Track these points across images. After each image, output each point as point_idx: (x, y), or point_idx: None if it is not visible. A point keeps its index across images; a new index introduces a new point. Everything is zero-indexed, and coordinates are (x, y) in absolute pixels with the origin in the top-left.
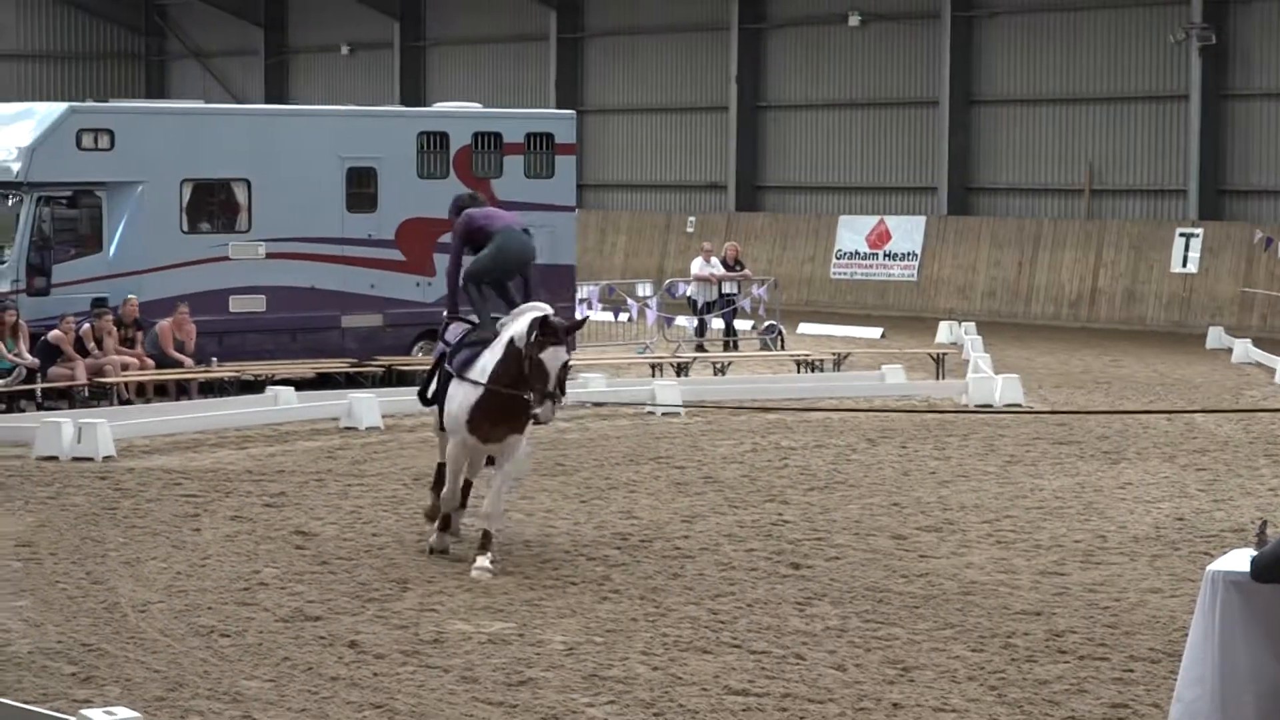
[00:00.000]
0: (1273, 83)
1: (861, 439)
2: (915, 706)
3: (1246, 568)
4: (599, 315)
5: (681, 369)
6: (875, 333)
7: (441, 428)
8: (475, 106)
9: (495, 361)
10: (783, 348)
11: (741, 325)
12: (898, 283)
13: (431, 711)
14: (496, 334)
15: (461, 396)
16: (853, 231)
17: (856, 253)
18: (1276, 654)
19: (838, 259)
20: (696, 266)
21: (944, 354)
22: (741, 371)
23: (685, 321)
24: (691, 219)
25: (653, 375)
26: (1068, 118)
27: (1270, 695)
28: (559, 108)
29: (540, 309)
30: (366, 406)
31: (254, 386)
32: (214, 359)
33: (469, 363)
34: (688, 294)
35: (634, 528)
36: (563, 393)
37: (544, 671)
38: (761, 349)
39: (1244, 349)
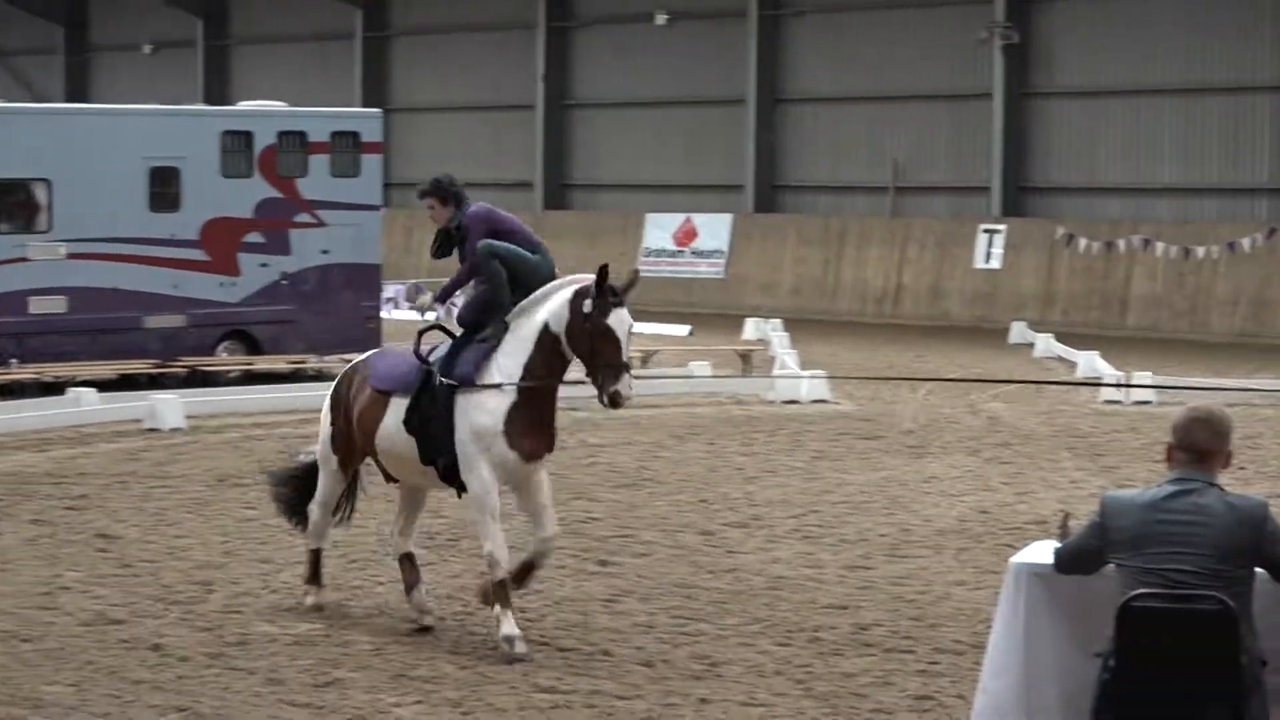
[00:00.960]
0: (1074, 81)
1: (669, 435)
2: (723, 701)
3: (1050, 559)
4: (404, 314)
5: None
6: (683, 330)
7: (390, 478)
8: (280, 105)
9: (525, 357)
10: None
11: None
12: (705, 280)
13: (236, 714)
14: (503, 330)
15: (489, 407)
16: (660, 229)
17: (664, 250)
18: (1079, 644)
19: (645, 257)
20: None
21: (750, 351)
22: None
23: None
24: None
25: None
26: (873, 116)
27: (1073, 684)
28: (365, 106)
29: (575, 279)
30: (170, 408)
31: (55, 388)
32: (13, 360)
33: (474, 369)
34: None
35: (442, 526)
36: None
37: (351, 672)
38: None
39: (1046, 344)
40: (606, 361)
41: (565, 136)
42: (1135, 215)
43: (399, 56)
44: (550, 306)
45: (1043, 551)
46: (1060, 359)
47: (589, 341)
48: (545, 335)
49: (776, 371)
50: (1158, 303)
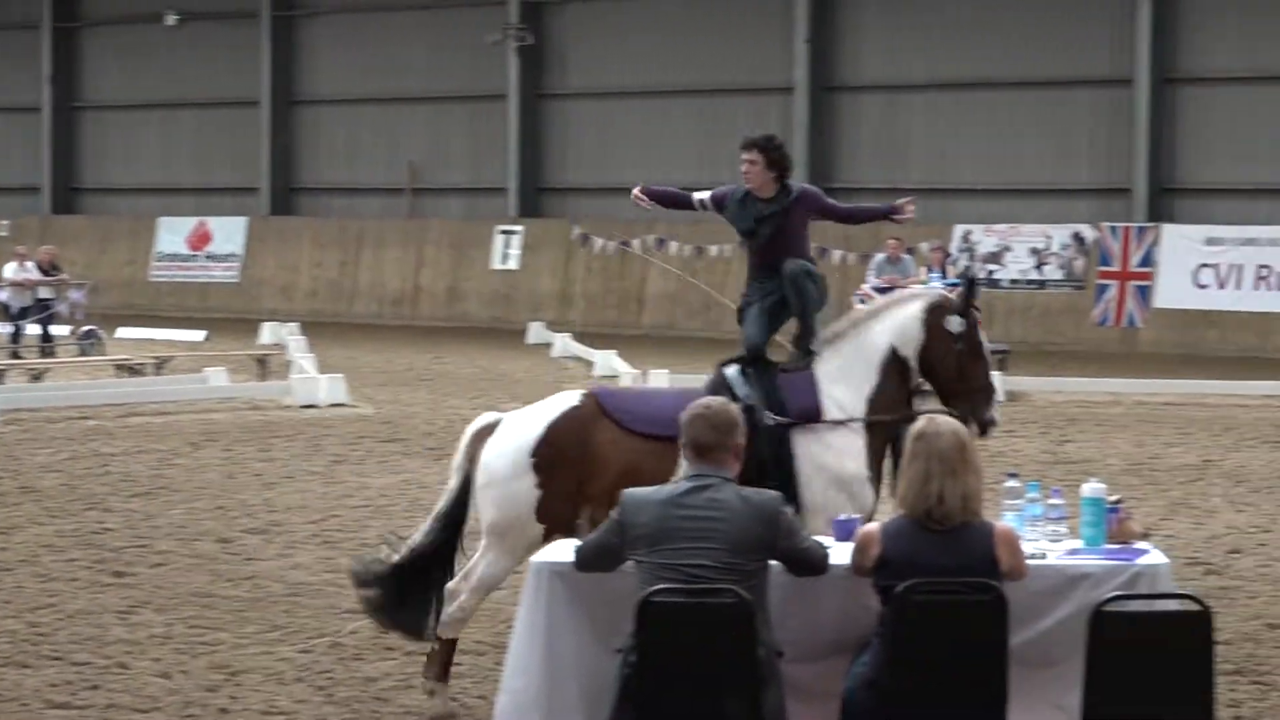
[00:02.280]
0: (588, 82)
1: (184, 443)
2: (243, 710)
3: (571, 558)
4: None
5: None
6: (199, 335)
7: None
8: None
9: (869, 387)
10: (103, 353)
11: (59, 331)
12: (220, 284)
13: None
14: (811, 359)
15: (847, 449)
16: (173, 233)
17: (177, 255)
18: (600, 640)
19: (158, 261)
20: (10, 271)
21: (267, 355)
22: (59, 378)
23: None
24: (4, 223)
25: None
26: (389, 117)
27: (594, 681)
28: None
29: (907, 294)
30: None
31: None
32: None
33: (815, 404)
34: (2, 300)
35: None
36: None
37: None
38: (80, 355)
39: (564, 343)
40: (979, 385)
41: (74, 139)
42: (651, 215)
43: None
44: (893, 325)
45: (563, 550)
46: (578, 358)
47: (957, 364)
48: (893, 360)
49: (292, 376)
50: (673, 301)
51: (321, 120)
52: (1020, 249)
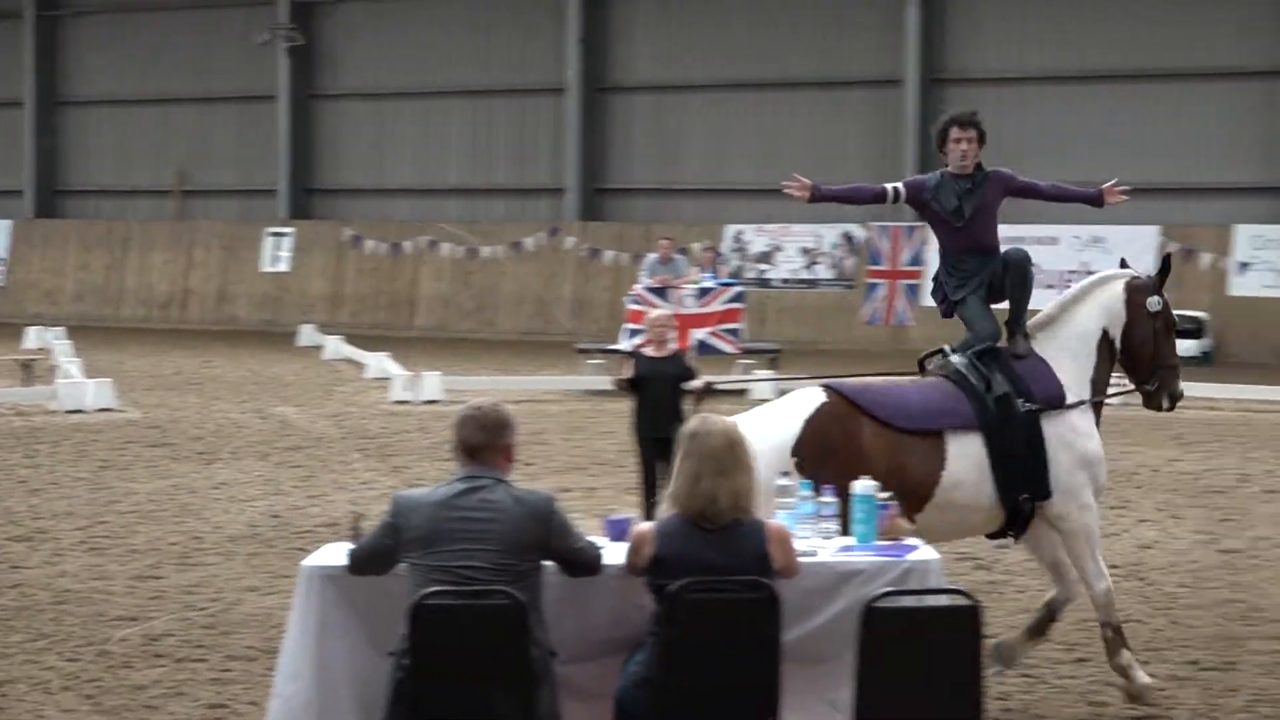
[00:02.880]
0: (360, 83)
1: None
2: None
3: (343, 561)
4: None
5: None
6: None
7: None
8: None
9: (1090, 369)
10: None
11: None
12: None
13: None
14: (1029, 348)
15: (1089, 430)
16: None
17: None
18: (374, 644)
19: None
20: None
21: (32, 360)
22: None
23: None
24: None
25: None
26: (157, 119)
27: (366, 684)
28: None
29: (1107, 274)
30: None
31: None
32: None
33: (1050, 389)
34: None
35: None
36: None
37: None
38: None
39: (335, 345)
40: (1170, 362)
41: None
42: (423, 216)
43: None
44: (1101, 307)
45: (335, 554)
46: (350, 361)
47: (1154, 342)
48: (1105, 341)
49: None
50: (445, 302)
51: (88, 121)
52: (791, 249)
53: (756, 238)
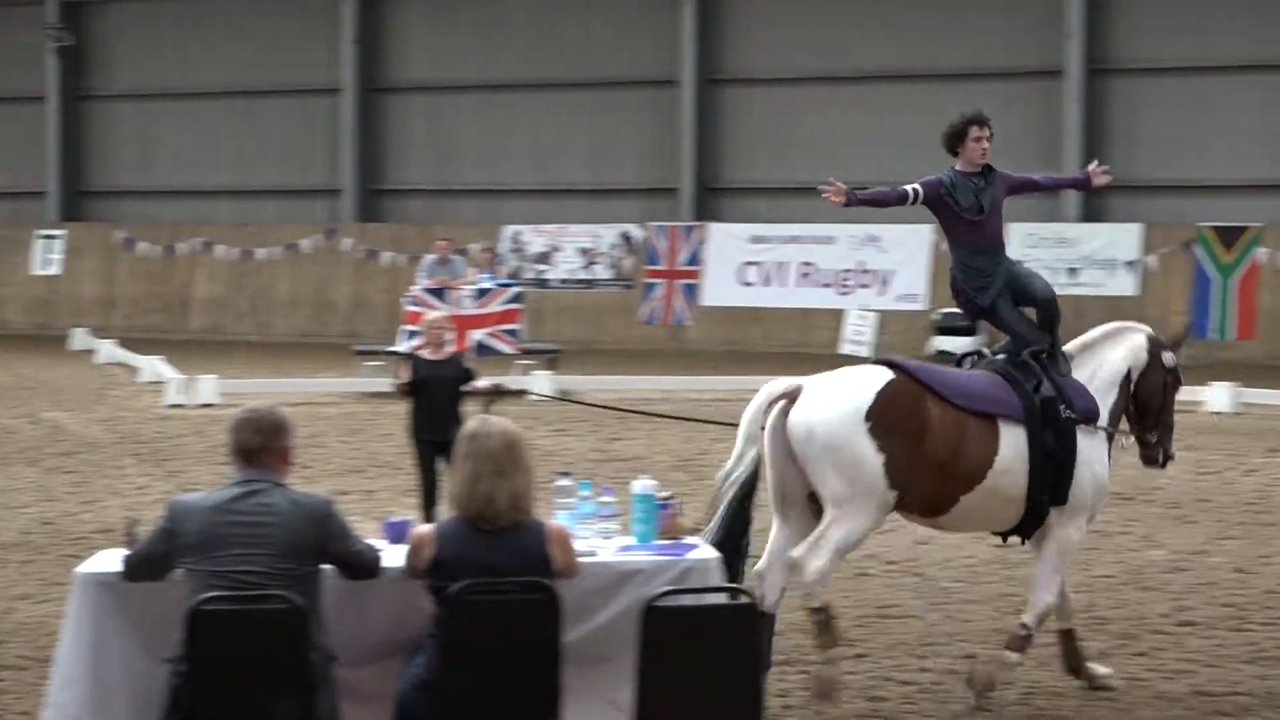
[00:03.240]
0: (129, 84)
1: None
2: None
3: (119, 568)
4: None
5: None
6: None
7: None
8: None
9: (1110, 402)
10: None
11: None
12: None
13: None
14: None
15: (1104, 458)
16: None
17: None
18: (150, 651)
19: None
20: None
21: None
22: None
23: None
24: None
25: None
26: None
27: (142, 690)
28: None
29: (1124, 325)
30: None
31: None
32: None
33: (1088, 405)
34: None
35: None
36: None
37: None
38: None
39: (109, 350)
40: (1169, 420)
41: None
42: (196, 218)
43: None
44: (1129, 349)
45: (110, 560)
46: (123, 364)
47: (1162, 395)
48: (1126, 382)
49: None
50: (220, 305)
51: None
52: (569, 249)
53: (534, 238)
